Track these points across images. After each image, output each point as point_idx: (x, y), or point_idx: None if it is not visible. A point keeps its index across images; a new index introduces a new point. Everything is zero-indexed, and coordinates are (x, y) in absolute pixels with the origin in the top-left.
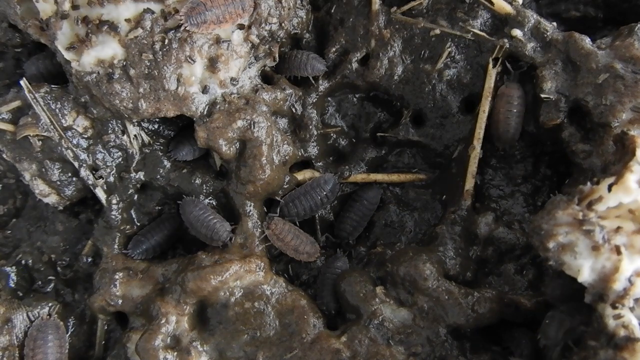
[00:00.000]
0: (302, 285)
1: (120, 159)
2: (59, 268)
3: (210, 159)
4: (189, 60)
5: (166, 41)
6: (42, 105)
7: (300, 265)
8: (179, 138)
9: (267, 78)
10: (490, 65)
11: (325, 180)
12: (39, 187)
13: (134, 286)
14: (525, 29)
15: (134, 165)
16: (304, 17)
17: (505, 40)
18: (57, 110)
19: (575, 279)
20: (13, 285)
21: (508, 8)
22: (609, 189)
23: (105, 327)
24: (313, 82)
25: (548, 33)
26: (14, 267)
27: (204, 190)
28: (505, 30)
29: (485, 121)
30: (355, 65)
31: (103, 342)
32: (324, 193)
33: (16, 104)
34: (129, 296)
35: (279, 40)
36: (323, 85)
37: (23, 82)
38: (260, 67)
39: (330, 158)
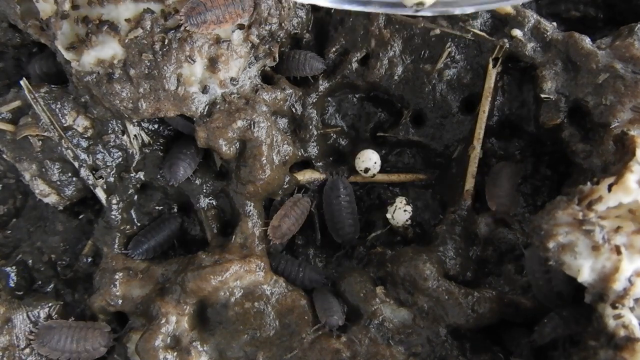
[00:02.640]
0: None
1: (120, 159)
2: (59, 268)
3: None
4: (189, 60)
5: (166, 41)
6: (42, 105)
7: None
8: (171, 160)
9: (267, 78)
10: (490, 65)
11: (332, 187)
12: (39, 187)
13: (134, 286)
14: (525, 29)
15: (134, 165)
16: (304, 17)
17: (505, 40)
18: (57, 110)
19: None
20: (13, 285)
21: (508, 8)
22: (609, 189)
23: None
24: (312, 81)
25: (548, 33)
26: (14, 267)
27: (204, 190)
28: (505, 30)
29: (485, 121)
30: (355, 65)
31: None
32: (342, 196)
33: (16, 104)
34: (129, 296)
35: (279, 40)
36: (323, 85)
37: (23, 82)
38: (260, 67)
39: (330, 158)
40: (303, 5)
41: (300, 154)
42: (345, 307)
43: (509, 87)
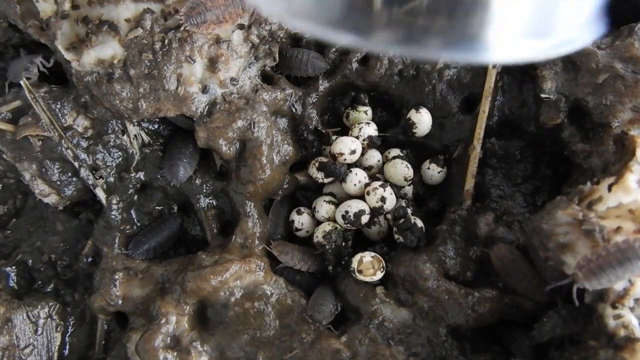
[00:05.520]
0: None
1: (120, 159)
2: (59, 268)
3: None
4: (189, 60)
5: (166, 41)
6: (42, 105)
7: None
8: (171, 161)
9: (267, 78)
10: (490, 65)
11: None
12: (39, 187)
13: (134, 286)
14: None
15: (134, 165)
16: None
17: None
18: (57, 110)
19: None
20: (13, 285)
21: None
22: (609, 189)
23: (105, 327)
24: (312, 81)
25: None
26: (14, 267)
27: (204, 190)
28: None
29: (485, 121)
30: (355, 65)
31: (103, 342)
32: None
33: (16, 104)
34: (129, 296)
35: (279, 40)
36: (323, 85)
37: (23, 82)
38: (260, 67)
39: None
40: None
41: (300, 154)
42: (339, 306)
43: (509, 87)
